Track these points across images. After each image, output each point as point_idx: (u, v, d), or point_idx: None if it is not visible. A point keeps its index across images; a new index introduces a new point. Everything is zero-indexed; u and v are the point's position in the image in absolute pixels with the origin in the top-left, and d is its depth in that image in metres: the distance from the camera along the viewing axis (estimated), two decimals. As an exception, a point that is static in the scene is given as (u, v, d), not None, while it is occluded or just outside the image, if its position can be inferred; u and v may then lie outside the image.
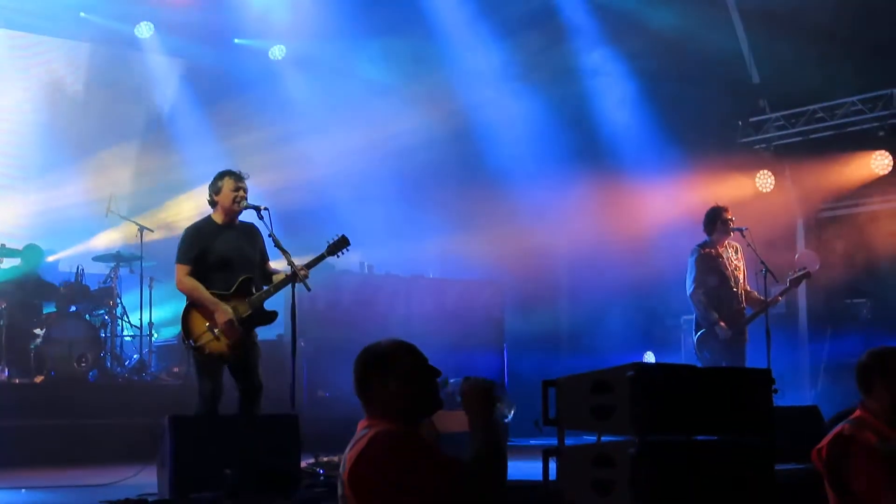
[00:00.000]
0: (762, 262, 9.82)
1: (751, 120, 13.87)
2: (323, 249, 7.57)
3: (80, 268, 11.55)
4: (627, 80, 13.89)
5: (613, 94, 14.03)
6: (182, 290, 7.44)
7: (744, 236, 9.99)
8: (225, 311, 7.30)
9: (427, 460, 3.59)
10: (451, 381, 3.86)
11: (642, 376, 4.16)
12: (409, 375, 3.73)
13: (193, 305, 7.40)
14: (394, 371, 3.72)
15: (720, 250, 9.99)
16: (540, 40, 14.06)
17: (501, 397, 3.32)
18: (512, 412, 3.80)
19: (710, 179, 13.53)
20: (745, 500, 4.40)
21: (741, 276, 10.01)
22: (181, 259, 7.44)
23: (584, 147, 14.19)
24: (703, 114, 13.57)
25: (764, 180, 13.61)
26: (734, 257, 10.02)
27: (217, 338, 7.29)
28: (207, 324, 7.31)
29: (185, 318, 7.39)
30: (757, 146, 13.78)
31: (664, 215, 13.15)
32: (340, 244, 7.59)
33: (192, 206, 11.90)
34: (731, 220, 9.98)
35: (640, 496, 4.07)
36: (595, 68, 14.07)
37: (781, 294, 9.97)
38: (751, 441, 4.49)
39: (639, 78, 13.82)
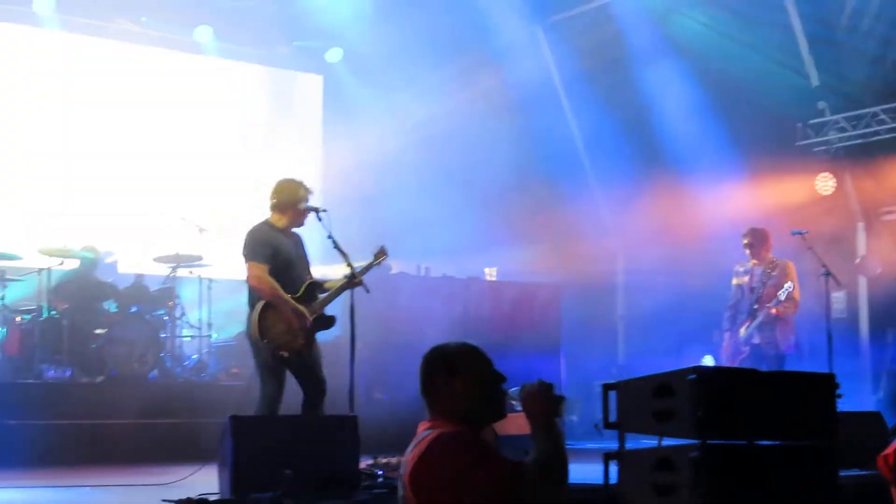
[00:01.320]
0: (823, 265, 9.80)
1: (810, 122, 13.71)
2: (368, 257, 7.77)
3: (140, 269, 11.69)
4: (686, 83, 13.79)
5: (672, 97, 13.91)
6: (259, 288, 7.42)
7: (804, 239, 10.01)
8: (304, 313, 7.42)
9: (488, 463, 3.59)
10: (512, 390, 3.87)
11: (704, 380, 4.14)
12: (476, 379, 3.75)
13: (270, 306, 7.40)
14: (460, 373, 3.74)
15: (751, 266, 10.34)
16: (598, 45, 14.12)
17: (563, 398, 3.34)
18: (574, 415, 3.86)
19: (769, 182, 13.46)
20: (808, 505, 4.36)
21: (762, 294, 10.15)
22: (257, 258, 7.43)
23: (643, 150, 14.18)
24: (762, 117, 13.43)
25: (824, 183, 13.46)
26: (767, 275, 10.19)
27: (294, 337, 7.38)
28: (284, 325, 7.37)
29: (263, 318, 7.37)
30: (816, 149, 13.64)
31: (722, 218, 13.02)
32: (381, 255, 7.82)
33: (248, 207, 11.99)
34: (748, 244, 10.31)
35: (702, 500, 4.06)
36: (654, 72, 14.01)
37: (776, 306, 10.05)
38: (814, 446, 4.46)
39: (697, 81, 13.73)
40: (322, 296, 7.61)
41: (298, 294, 7.49)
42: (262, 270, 7.41)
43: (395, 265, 11.97)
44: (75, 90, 13.71)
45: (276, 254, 7.48)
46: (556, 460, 3.66)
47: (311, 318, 7.43)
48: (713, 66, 13.55)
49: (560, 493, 3.64)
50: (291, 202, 7.64)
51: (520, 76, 14.45)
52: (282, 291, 7.41)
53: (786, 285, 9.86)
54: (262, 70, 15.25)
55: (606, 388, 4.45)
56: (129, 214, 13.33)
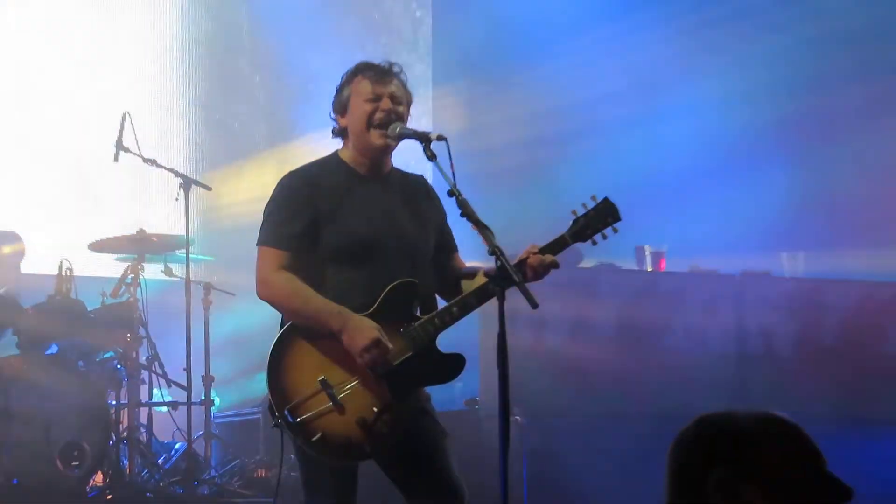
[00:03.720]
0: None
1: None
2: (564, 228, 7.08)
3: (65, 265, 11.61)
4: None
5: None
6: (267, 299, 7.22)
7: None
8: (363, 328, 7.00)
9: None
10: None
11: None
12: (787, 484, 3.74)
13: (294, 334, 7.12)
14: (760, 475, 3.77)
15: None
16: None
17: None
18: None
19: None
20: None
21: None
22: (268, 238, 7.22)
23: None
24: None
25: None
26: None
27: (340, 406, 7.02)
28: (321, 376, 7.05)
29: (275, 365, 7.10)
30: None
31: None
32: (601, 217, 7.10)
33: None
34: None
35: None
36: None
37: None
38: None
39: None
40: (428, 314, 7.16)
41: (372, 309, 7.10)
42: (272, 263, 7.22)
43: (593, 250, 11.84)
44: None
45: (318, 225, 7.24)
46: None
47: (381, 335, 7.00)
48: None
49: None
50: (343, 116, 7.41)
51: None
52: (310, 295, 7.15)
53: None
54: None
55: None
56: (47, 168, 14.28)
